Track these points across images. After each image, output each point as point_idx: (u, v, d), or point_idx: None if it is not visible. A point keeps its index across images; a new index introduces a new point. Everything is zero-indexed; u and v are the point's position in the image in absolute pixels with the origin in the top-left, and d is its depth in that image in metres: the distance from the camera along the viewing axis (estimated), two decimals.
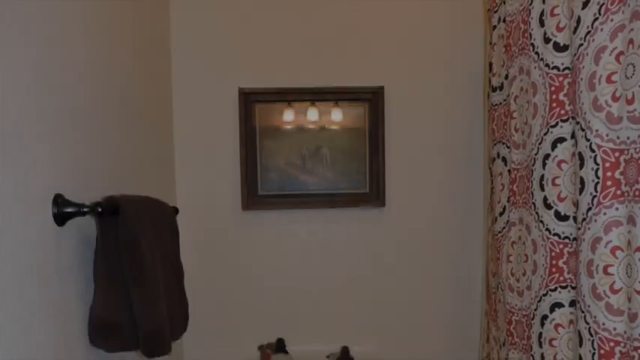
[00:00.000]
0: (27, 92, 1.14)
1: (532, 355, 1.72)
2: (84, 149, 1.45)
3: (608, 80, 1.40)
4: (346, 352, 2.48)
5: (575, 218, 1.59)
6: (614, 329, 1.38)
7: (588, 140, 1.44)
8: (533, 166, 1.73)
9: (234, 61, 2.60)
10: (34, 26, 1.18)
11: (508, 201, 1.97)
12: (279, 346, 2.48)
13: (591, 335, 1.43)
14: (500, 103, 2.10)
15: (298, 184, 2.61)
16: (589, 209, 1.44)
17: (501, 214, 2.05)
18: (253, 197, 2.59)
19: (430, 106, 2.64)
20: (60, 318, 1.25)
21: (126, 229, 1.37)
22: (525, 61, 1.80)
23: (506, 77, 2.00)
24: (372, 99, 2.60)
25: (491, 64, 2.17)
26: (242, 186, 2.57)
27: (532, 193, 1.74)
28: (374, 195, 2.61)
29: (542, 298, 1.69)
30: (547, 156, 1.66)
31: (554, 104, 1.64)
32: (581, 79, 1.48)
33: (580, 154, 1.48)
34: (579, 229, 1.48)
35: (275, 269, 2.64)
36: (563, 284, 1.64)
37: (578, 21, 1.49)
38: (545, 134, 1.67)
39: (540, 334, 1.69)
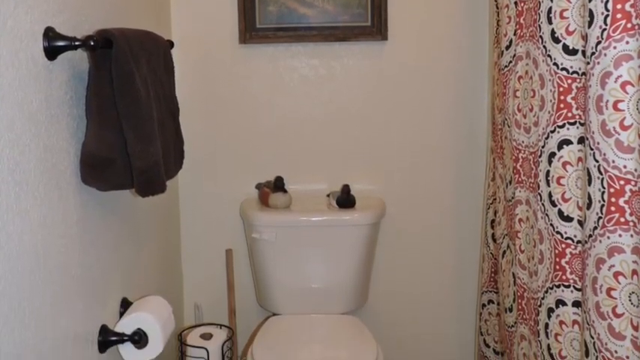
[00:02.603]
0: None
1: (539, 193, 1.73)
2: None
3: None
4: (347, 190, 2.46)
5: (583, 52, 1.54)
6: (625, 167, 1.37)
7: None
8: None
9: None
10: None
11: (515, 34, 1.90)
12: (278, 184, 2.47)
13: (600, 173, 1.42)
14: None
15: (297, 16, 2.51)
16: (598, 43, 1.39)
17: (508, 47, 1.99)
18: (251, 30, 2.51)
19: None
20: (51, 156, 1.23)
21: (119, 63, 1.32)
22: None
23: None
24: None
25: None
26: (239, 19, 2.49)
27: (539, 26, 1.68)
28: (376, 28, 2.52)
29: (550, 134, 1.67)
30: None
31: None
32: None
33: None
34: (588, 63, 1.44)
35: (273, 105, 2.61)
36: (572, 120, 1.62)
37: None
38: None
39: (548, 172, 1.69)
